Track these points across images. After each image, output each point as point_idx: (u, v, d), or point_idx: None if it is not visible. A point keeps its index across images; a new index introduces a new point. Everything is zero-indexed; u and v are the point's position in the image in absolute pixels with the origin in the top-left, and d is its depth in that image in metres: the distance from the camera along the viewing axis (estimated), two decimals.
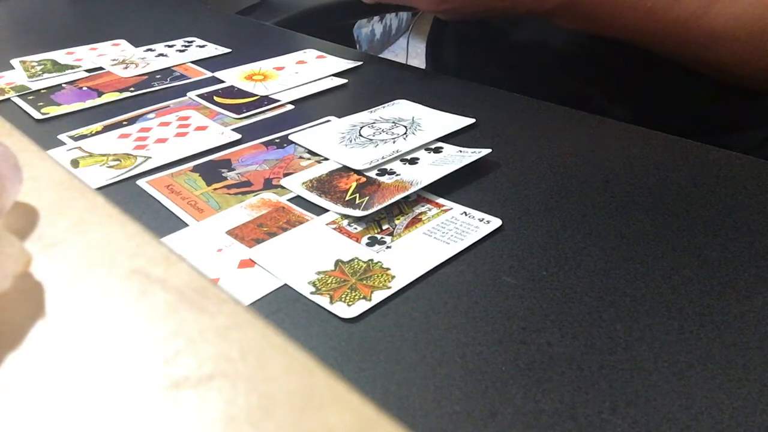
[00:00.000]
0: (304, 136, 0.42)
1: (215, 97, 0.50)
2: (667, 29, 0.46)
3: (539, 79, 0.60)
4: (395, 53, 2.38)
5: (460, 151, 0.39)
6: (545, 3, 0.48)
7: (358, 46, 2.13)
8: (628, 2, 0.46)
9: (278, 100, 0.49)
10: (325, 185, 0.36)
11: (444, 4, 0.51)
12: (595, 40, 0.53)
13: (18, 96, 0.50)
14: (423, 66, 0.77)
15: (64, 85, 0.53)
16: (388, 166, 0.38)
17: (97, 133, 0.44)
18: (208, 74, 0.55)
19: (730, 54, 0.46)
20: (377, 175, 0.37)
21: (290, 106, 0.48)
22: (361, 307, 0.27)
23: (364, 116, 0.45)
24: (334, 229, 0.32)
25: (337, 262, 0.30)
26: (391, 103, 0.47)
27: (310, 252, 0.30)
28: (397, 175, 0.37)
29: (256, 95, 0.50)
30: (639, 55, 0.50)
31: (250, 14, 0.92)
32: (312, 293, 0.28)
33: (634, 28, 0.47)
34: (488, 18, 0.57)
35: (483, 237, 0.31)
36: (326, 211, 0.34)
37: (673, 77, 0.53)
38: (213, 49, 0.61)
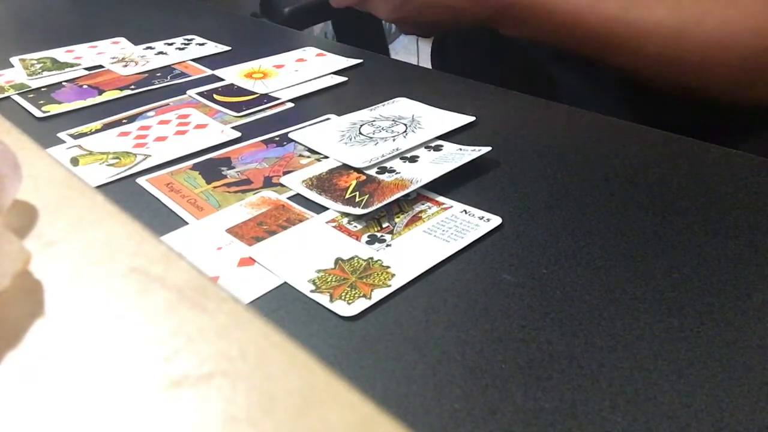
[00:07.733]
0: (304, 134, 0.42)
1: (215, 95, 0.50)
2: (594, 30, 0.47)
3: (539, 78, 0.60)
4: (395, 51, 2.38)
5: (460, 149, 0.39)
6: (483, 11, 0.50)
7: None
8: (557, 3, 0.47)
9: (278, 98, 0.49)
10: (324, 183, 0.36)
11: (396, 13, 0.53)
12: None
13: (18, 94, 0.50)
14: (430, 65, 0.77)
15: (64, 83, 0.53)
16: (388, 164, 0.38)
17: (97, 131, 0.44)
18: (208, 72, 0.55)
19: (654, 56, 0.47)
20: (377, 173, 0.37)
21: (290, 104, 0.48)
22: (361, 305, 0.27)
23: (364, 114, 0.45)
24: (334, 227, 0.32)
25: (337, 260, 0.30)
26: (391, 101, 0.47)
27: (310, 250, 0.30)
28: (397, 173, 0.37)
29: (256, 93, 0.50)
30: None
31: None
32: (312, 291, 0.28)
33: (564, 30, 0.48)
34: (444, 29, 0.59)
35: (483, 235, 0.31)
36: (326, 209, 0.34)
37: None
38: (213, 47, 0.61)
